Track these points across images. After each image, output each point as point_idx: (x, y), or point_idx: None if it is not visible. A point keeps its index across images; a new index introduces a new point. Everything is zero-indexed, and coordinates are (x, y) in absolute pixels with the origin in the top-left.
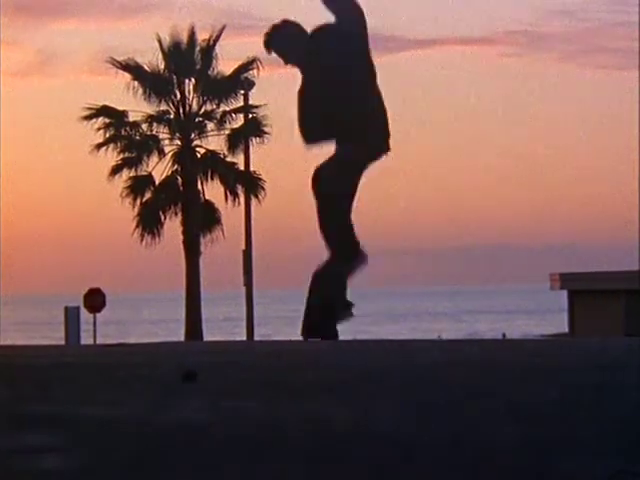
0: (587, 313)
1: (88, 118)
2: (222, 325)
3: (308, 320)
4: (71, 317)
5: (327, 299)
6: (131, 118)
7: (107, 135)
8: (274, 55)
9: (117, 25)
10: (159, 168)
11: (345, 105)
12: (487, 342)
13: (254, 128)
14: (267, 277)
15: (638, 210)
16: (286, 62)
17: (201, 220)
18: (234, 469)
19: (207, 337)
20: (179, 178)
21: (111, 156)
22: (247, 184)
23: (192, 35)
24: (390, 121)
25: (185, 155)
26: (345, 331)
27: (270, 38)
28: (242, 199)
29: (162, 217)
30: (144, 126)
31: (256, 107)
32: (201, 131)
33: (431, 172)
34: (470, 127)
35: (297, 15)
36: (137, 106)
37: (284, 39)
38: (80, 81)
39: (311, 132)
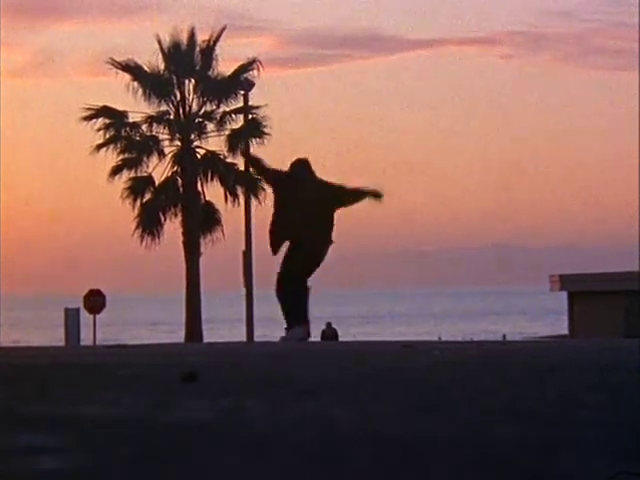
0: (587, 314)
1: (88, 118)
2: (222, 326)
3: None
4: (71, 318)
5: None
6: (131, 119)
7: (107, 136)
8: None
9: (117, 25)
10: (159, 169)
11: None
12: (487, 343)
13: (254, 129)
14: (267, 278)
15: (638, 210)
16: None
17: (201, 221)
18: (234, 469)
19: (207, 338)
20: (179, 179)
21: (111, 157)
22: (247, 185)
23: (192, 36)
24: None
25: (185, 156)
26: (345, 332)
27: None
28: (242, 200)
29: (162, 218)
30: (144, 127)
31: (256, 108)
32: (201, 132)
33: (429, 171)
34: (470, 127)
35: (296, 15)
36: (137, 107)
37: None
38: (80, 81)
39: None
